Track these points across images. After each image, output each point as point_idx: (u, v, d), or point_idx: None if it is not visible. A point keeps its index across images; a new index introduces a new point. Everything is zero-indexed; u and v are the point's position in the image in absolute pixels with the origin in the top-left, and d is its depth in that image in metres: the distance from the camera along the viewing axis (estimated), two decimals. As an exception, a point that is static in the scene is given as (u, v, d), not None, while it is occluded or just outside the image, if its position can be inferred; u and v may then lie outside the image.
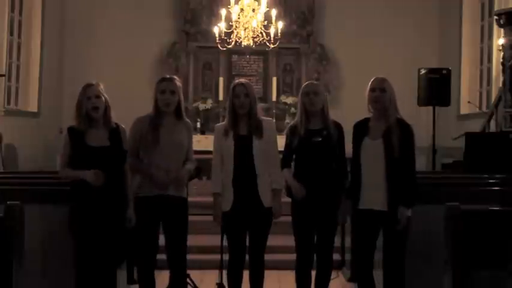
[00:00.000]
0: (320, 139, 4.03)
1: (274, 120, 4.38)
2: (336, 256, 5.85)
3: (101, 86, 3.82)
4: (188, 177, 4.07)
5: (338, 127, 4.10)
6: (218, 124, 4.23)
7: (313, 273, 4.12)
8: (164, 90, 3.93)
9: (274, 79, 10.34)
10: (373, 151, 3.85)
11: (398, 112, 3.92)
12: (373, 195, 3.82)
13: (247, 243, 4.05)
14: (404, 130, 3.87)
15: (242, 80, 4.18)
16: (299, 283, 4.11)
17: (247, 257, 4.05)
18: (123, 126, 3.91)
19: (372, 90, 3.90)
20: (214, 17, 9.98)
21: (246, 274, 4.06)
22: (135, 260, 4.04)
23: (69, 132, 3.79)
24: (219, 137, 4.05)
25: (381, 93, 3.87)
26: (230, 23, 8.55)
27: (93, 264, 3.68)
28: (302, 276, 4.09)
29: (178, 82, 4.01)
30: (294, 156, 4.12)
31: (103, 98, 3.79)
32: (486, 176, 5.41)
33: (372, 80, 3.94)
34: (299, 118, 4.11)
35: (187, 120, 4.14)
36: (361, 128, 3.96)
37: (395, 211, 3.77)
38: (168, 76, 4.07)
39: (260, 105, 4.17)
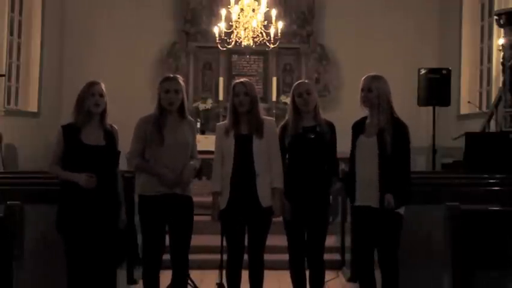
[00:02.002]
0: (313, 136, 4.04)
1: (274, 120, 4.36)
2: (336, 256, 5.86)
3: (103, 86, 3.82)
4: (193, 174, 4.03)
5: (330, 126, 4.11)
6: (220, 123, 4.23)
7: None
8: (168, 90, 3.93)
9: (274, 79, 10.32)
10: (367, 148, 3.87)
11: (392, 110, 3.92)
12: (368, 192, 3.83)
13: (246, 243, 4.04)
14: (399, 129, 3.87)
15: (243, 79, 4.19)
16: (294, 282, 4.12)
17: (246, 256, 4.05)
18: (116, 127, 3.90)
19: (361, 90, 3.94)
20: (214, 17, 9.98)
21: (246, 274, 4.05)
22: (141, 259, 4.01)
23: (64, 129, 3.76)
24: (220, 136, 4.05)
25: (367, 93, 3.90)
26: (230, 23, 8.54)
27: (84, 265, 3.65)
28: (296, 274, 4.10)
29: (181, 81, 4.01)
30: (286, 156, 4.10)
31: (105, 99, 3.79)
32: (486, 176, 5.42)
33: (363, 78, 3.96)
34: (290, 117, 4.12)
35: (191, 118, 4.16)
36: (358, 127, 4.00)
37: (387, 208, 3.77)
38: (171, 75, 4.07)
39: (261, 105, 4.17)
